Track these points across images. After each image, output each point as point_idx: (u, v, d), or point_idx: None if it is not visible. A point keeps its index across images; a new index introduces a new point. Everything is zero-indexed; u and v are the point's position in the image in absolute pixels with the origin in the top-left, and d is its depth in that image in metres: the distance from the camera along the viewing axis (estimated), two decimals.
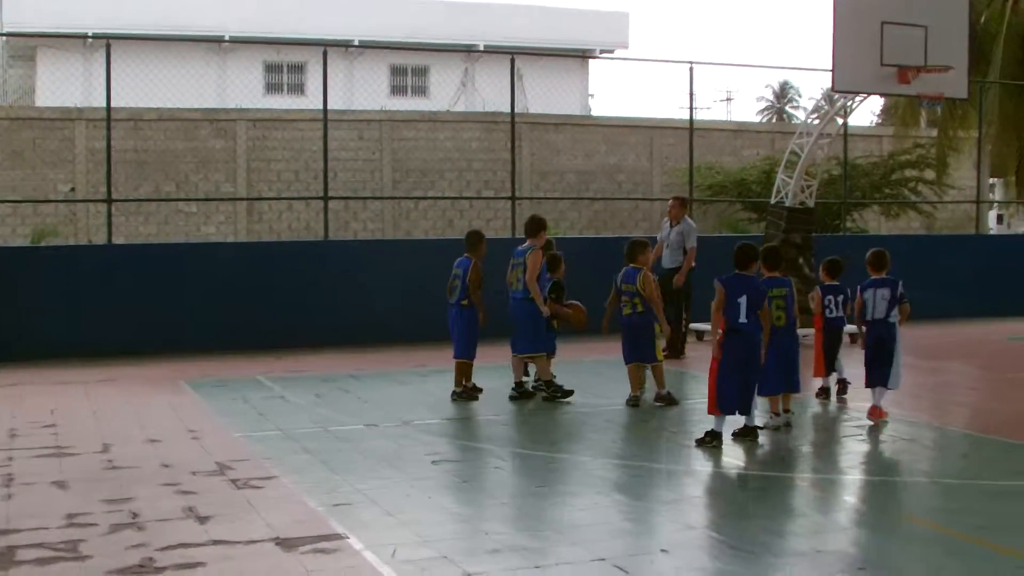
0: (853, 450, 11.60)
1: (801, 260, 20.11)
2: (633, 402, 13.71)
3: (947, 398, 12.95)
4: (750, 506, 9.50)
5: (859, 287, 12.87)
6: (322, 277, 19.78)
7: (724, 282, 11.58)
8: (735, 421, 11.62)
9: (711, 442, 11.29)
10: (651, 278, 13.81)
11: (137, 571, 7.35)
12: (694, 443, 11.41)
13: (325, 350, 18.72)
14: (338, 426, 12.48)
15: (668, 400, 13.73)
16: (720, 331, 11.56)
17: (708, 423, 11.68)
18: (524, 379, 14.59)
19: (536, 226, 14.46)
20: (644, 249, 14.06)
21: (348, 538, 8.05)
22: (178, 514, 8.76)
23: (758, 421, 11.79)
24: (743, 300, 11.36)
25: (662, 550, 7.92)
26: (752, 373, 11.47)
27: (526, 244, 14.36)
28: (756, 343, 11.51)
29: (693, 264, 18.01)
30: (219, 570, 7.39)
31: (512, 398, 14.25)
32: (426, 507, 9.08)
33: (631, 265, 13.80)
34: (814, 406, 13.87)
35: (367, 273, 19.98)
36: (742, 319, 11.37)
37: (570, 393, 14.13)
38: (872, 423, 12.48)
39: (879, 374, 12.70)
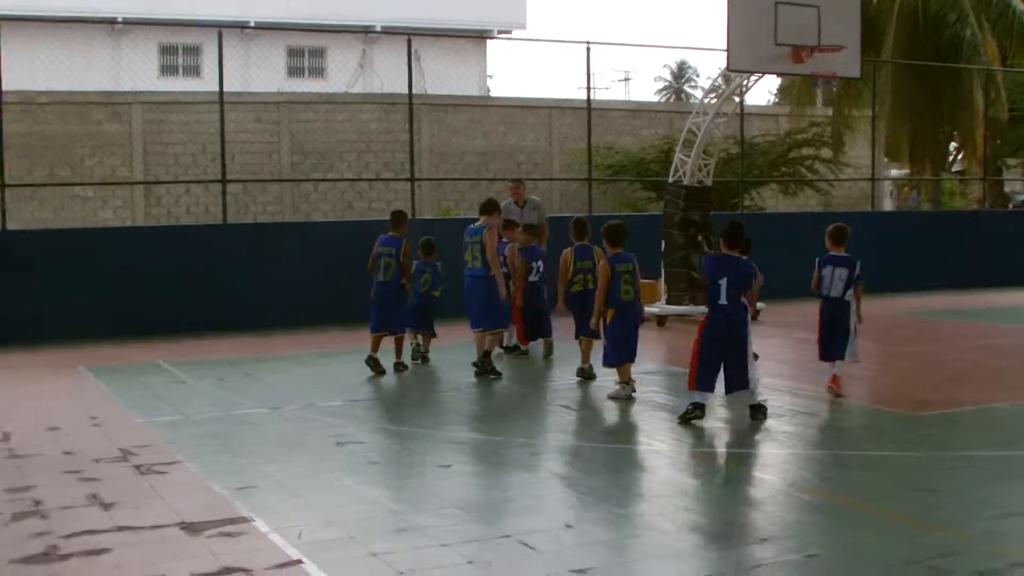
0: (753, 424, 11.72)
1: (700, 237, 20.32)
2: (588, 373, 13.99)
3: (845, 372, 13.13)
4: (652, 482, 9.61)
5: (817, 260, 12.92)
6: (222, 261, 19.64)
7: (708, 262, 11.71)
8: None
9: (694, 412, 11.43)
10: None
11: (41, 559, 7.28)
12: (677, 419, 11.51)
13: (227, 334, 18.58)
14: (241, 410, 12.42)
15: (589, 375, 13.94)
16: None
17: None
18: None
19: (492, 205, 14.81)
20: (588, 227, 14.36)
21: (254, 521, 8.03)
22: (82, 501, 8.67)
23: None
24: (724, 281, 11.37)
25: (567, 526, 7.99)
26: (732, 351, 11.48)
27: (480, 222, 14.57)
28: (737, 323, 11.47)
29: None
30: (125, 556, 7.33)
31: (476, 373, 14.40)
32: (331, 488, 9.08)
33: (580, 243, 13.98)
34: None
35: (267, 256, 19.87)
36: (722, 300, 11.40)
37: (499, 375, 14.28)
38: (833, 395, 12.77)
39: (837, 348, 12.92)
